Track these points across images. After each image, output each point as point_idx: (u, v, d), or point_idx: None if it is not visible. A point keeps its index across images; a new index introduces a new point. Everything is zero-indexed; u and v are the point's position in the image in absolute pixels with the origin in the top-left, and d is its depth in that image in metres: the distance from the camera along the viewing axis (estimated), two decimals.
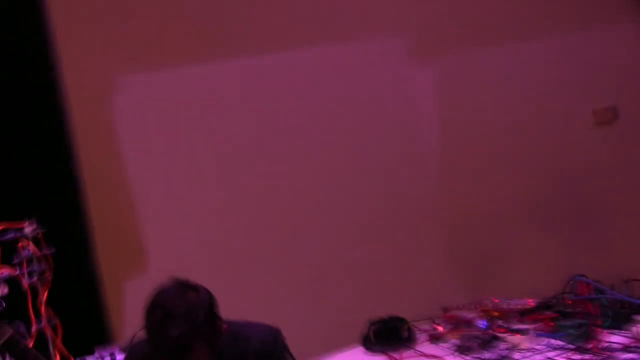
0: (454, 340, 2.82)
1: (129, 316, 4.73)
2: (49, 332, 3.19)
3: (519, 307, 2.91)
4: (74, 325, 3.66)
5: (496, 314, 2.93)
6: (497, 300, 3.04)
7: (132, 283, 5.34)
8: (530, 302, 2.92)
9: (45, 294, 3.19)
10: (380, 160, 5.13)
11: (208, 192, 5.32)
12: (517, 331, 2.66)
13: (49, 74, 5.06)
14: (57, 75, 5.05)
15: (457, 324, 2.91)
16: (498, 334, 2.74)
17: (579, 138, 4.94)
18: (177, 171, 5.36)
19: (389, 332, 3.01)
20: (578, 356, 2.39)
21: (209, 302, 2.30)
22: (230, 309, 2.94)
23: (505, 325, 2.73)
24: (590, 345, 2.41)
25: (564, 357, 2.42)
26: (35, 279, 3.16)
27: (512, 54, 5.04)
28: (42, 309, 3.19)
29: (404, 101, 5.17)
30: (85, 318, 4.32)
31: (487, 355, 2.59)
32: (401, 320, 3.05)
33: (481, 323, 2.85)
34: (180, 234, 5.33)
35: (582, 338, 2.48)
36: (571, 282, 2.76)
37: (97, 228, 5.20)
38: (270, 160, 5.22)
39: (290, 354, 2.57)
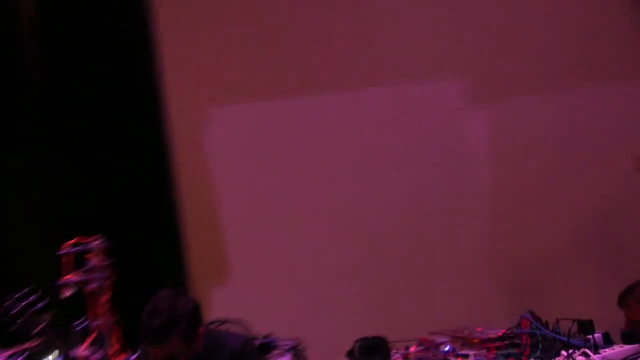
0: None
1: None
2: (106, 329, 3.85)
3: (488, 336, 3.27)
4: None
5: (465, 340, 3.31)
6: (479, 329, 3.39)
7: (217, 291, 6.05)
8: (500, 333, 3.26)
9: (106, 297, 3.85)
10: (433, 194, 5.55)
11: (286, 212, 5.96)
12: (461, 355, 3.07)
13: (155, 96, 5.86)
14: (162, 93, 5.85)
15: (428, 347, 3.31)
16: (448, 358, 3.14)
17: (621, 182, 5.16)
18: (259, 192, 6.03)
19: (370, 350, 3.46)
20: None
21: (192, 308, 2.90)
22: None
23: (453, 350, 3.13)
24: None
25: None
26: (97, 284, 3.85)
27: (559, 102, 5.31)
28: (104, 309, 3.86)
29: (458, 141, 5.56)
30: None
31: None
32: (383, 340, 3.49)
33: (445, 348, 3.24)
34: (260, 249, 6.00)
35: None
36: (521, 317, 3.10)
37: (190, 241, 5.97)
38: (337, 188, 5.78)
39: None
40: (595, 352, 2.81)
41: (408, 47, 5.47)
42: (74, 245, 3.85)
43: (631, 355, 2.74)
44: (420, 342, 3.34)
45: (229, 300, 5.84)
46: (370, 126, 5.56)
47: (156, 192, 6.00)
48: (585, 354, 2.75)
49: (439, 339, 3.32)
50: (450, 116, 5.48)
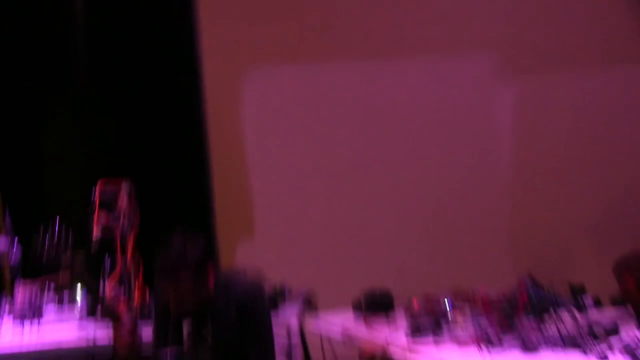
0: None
1: None
2: (130, 268, 4.08)
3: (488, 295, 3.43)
4: None
5: (466, 298, 3.48)
6: (482, 290, 3.54)
7: (241, 244, 6.29)
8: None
9: (132, 237, 4.06)
10: (455, 167, 5.70)
11: (312, 173, 6.14)
12: (458, 309, 3.25)
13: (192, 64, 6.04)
14: (199, 62, 6.04)
15: (430, 302, 3.48)
16: (449, 314, 3.31)
17: None
18: (290, 157, 6.22)
19: (376, 303, 3.65)
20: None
21: (202, 252, 3.08)
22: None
23: (454, 306, 3.29)
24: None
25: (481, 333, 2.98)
26: (124, 227, 4.07)
27: (590, 80, 5.37)
28: (129, 250, 4.08)
29: (483, 116, 5.68)
30: None
31: (427, 326, 3.17)
32: (388, 293, 3.67)
33: (447, 304, 3.41)
34: (286, 211, 6.21)
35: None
36: (519, 279, 3.25)
37: (218, 202, 6.20)
38: (363, 153, 5.97)
39: (268, 310, 3.28)
40: (581, 312, 2.97)
41: (440, 20, 5.57)
42: (104, 188, 4.09)
43: (615, 319, 2.89)
44: (423, 297, 3.48)
45: (250, 253, 6.10)
46: (400, 96, 5.70)
47: (188, 147, 6.24)
48: (572, 314, 2.92)
49: (442, 296, 3.44)
50: (477, 90, 5.58)
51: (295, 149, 6.24)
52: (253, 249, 6.22)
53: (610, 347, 2.64)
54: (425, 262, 5.61)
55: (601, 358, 2.58)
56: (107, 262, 4.08)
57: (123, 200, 4.06)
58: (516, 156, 5.62)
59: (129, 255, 4.05)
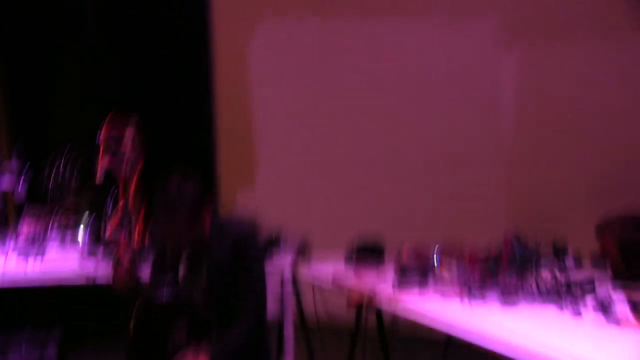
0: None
1: None
2: (133, 208, 4.19)
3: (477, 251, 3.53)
4: None
5: (454, 253, 3.58)
6: (471, 246, 3.63)
7: (242, 193, 6.44)
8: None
9: (134, 182, 4.17)
10: (456, 125, 5.80)
11: (315, 128, 6.27)
12: (445, 264, 3.36)
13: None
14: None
15: (419, 253, 3.58)
16: (435, 267, 3.42)
17: None
18: (293, 106, 6.35)
19: (367, 253, 3.76)
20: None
21: (197, 192, 3.16)
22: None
23: (441, 260, 3.40)
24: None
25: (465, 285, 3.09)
26: (128, 168, 4.17)
27: (593, 50, 5.40)
28: (132, 191, 4.19)
29: (486, 78, 5.76)
30: None
31: (414, 277, 3.29)
32: (379, 243, 3.79)
33: (435, 258, 3.52)
34: (287, 158, 6.35)
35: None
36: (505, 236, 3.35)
37: (222, 147, 6.34)
38: (366, 111, 6.10)
39: (261, 250, 3.39)
40: (562, 270, 3.09)
41: None
42: (109, 129, 4.20)
43: (592, 278, 3.00)
44: (413, 249, 3.58)
45: (250, 198, 6.27)
46: (404, 53, 5.80)
47: (195, 91, 6.37)
48: (552, 271, 3.03)
49: (432, 249, 3.53)
50: (481, 54, 5.65)
51: (298, 98, 6.37)
52: (253, 194, 6.40)
53: (585, 304, 2.75)
54: (420, 215, 5.76)
55: (575, 313, 2.69)
56: (110, 203, 4.23)
57: (127, 142, 4.16)
58: (518, 118, 5.70)
59: (130, 196, 4.17)
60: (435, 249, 3.49)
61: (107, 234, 3.99)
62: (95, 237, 3.57)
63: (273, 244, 4.09)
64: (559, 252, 3.24)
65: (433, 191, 5.85)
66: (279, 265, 3.81)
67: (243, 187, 6.51)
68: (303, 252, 4.17)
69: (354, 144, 6.15)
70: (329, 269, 3.62)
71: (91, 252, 4.03)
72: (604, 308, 2.64)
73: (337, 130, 6.20)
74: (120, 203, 4.12)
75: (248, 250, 3.22)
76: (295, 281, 4.10)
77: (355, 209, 5.85)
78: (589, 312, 2.69)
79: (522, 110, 5.69)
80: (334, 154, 6.23)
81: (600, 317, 2.62)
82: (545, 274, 3.04)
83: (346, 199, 6.09)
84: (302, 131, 6.30)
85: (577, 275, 3.07)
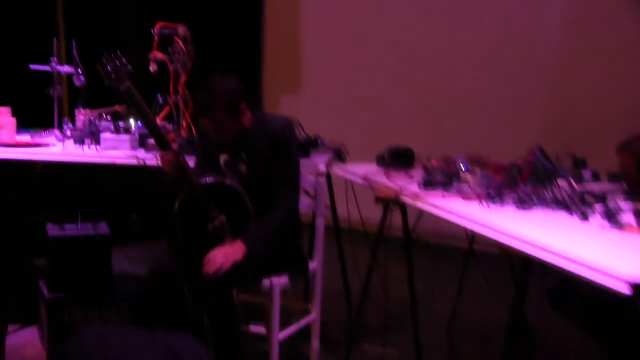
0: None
1: None
2: (181, 105, 4.45)
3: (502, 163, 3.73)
4: None
5: (480, 163, 3.78)
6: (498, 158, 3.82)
7: (287, 99, 6.69)
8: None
9: (184, 77, 4.42)
10: (497, 41, 5.97)
11: (358, 47, 6.49)
12: (469, 171, 3.57)
13: None
14: None
15: (447, 161, 3.79)
16: (460, 173, 3.63)
17: None
18: (340, 27, 6.58)
19: (398, 157, 3.99)
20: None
21: (235, 85, 3.42)
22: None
23: (467, 168, 3.61)
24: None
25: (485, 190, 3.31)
26: (179, 65, 4.42)
27: None
28: (181, 88, 4.45)
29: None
30: None
31: (439, 180, 3.51)
32: (409, 150, 4.01)
33: (461, 165, 3.73)
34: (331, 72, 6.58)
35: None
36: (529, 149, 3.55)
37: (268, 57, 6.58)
38: (405, 27, 6.28)
39: (296, 144, 3.64)
40: (578, 182, 3.29)
41: None
42: (163, 28, 4.43)
43: (606, 190, 3.20)
44: (442, 157, 3.80)
45: (294, 105, 6.53)
46: None
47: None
48: (570, 183, 3.23)
49: (459, 158, 3.75)
50: None
51: (344, 20, 6.58)
52: (296, 102, 6.67)
53: (594, 211, 2.96)
54: (451, 131, 5.96)
55: (582, 218, 2.91)
56: (161, 99, 4.49)
57: (178, 42, 4.40)
58: (558, 40, 5.83)
59: (180, 93, 4.42)
60: (462, 158, 3.70)
61: (158, 122, 4.27)
62: (147, 128, 3.81)
63: (311, 144, 4.33)
64: (578, 165, 3.43)
65: (468, 104, 6.06)
66: (315, 164, 4.05)
67: (289, 93, 6.78)
68: (339, 154, 4.42)
69: (393, 59, 6.38)
70: (361, 170, 3.85)
71: (142, 143, 4.31)
72: (611, 215, 2.85)
73: (378, 54, 6.42)
74: (171, 95, 4.40)
75: (285, 145, 3.49)
76: (329, 178, 4.37)
77: (390, 126, 6.09)
78: (597, 218, 2.90)
79: (563, 34, 5.81)
80: (374, 75, 6.47)
81: (605, 223, 2.83)
82: (562, 184, 3.24)
83: (382, 117, 6.34)
84: (345, 48, 6.55)
85: (591, 187, 3.27)
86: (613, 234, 2.73)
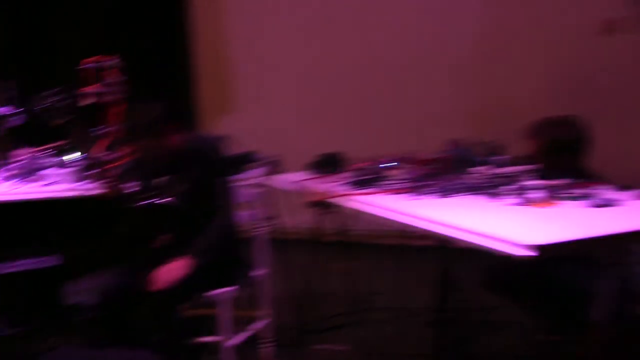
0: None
1: None
2: (117, 134, 4.58)
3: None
4: None
5: (407, 160, 3.98)
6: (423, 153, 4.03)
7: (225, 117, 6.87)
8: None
9: (118, 108, 4.55)
10: (417, 38, 6.26)
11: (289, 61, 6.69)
12: (391, 167, 3.78)
13: None
14: None
15: (372, 160, 3.98)
16: (386, 171, 3.83)
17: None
18: (269, 43, 6.76)
19: (327, 162, 4.18)
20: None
21: (161, 115, 3.60)
22: None
23: (391, 165, 3.82)
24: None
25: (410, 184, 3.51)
26: (112, 97, 4.55)
27: None
28: (116, 118, 4.57)
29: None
30: None
31: (366, 179, 3.71)
32: (337, 154, 4.20)
33: (387, 163, 3.93)
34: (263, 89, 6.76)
35: None
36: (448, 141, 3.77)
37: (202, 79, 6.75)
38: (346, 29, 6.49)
39: (225, 160, 3.82)
40: (494, 167, 3.51)
41: None
42: (93, 62, 4.57)
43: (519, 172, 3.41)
44: (369, 158, 3.99)
45: (229, 124, 6.71)
46: None
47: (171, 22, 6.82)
48: (486, 168, 3.46)
49: (386, 157, 3.94)
50: None
51: (273, 36, 6.81)
52: (234, 120, 6.87)
53: (508, 190, 3.19)
54: (385, 130, 6.22)
55: (496, 198, 3.14)
56: (99, 130, 4.62)
57: (110, 74, 4.55)
58: (477, 30, 6.12)
59: (115, 123, 4.56)
60: (387, 156, 3.90)
61: (96, 156, 4.39)
62: (87, 161, 3.95)
63: (245, 159, 4.49)
64: (495, 152, 3.65)
65: (394, 109, 6.31)
66: (251, 177, 4.22)
67: (226, 112, 6.99)
68: (274, 166, 4.58)
69: (320, 75, 6.66)
70: (294, 178, 4.04)
71: (83, 176, 4.42)
72: (520, 193, 3.08)
73: (307, 65, 6.69)
74: (105, 126, 4.53)
75: (214, 162, 3.72)
76: (266, 190, 4.53)
77: (325, 133, 6.29)
78: (510, 197, 3.12)
79: (482, 21, 6.08)
80: (305, 84, 6.71)
81: (516, 200, 3.06)
82: (479, 170, 3.46)
83: (316, 125, 6.58)
84: (277, 68, 6.80)
85: (505, 170, 3.49)
86: (523, 209, 2.95)
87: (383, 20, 6.45)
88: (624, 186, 3.18)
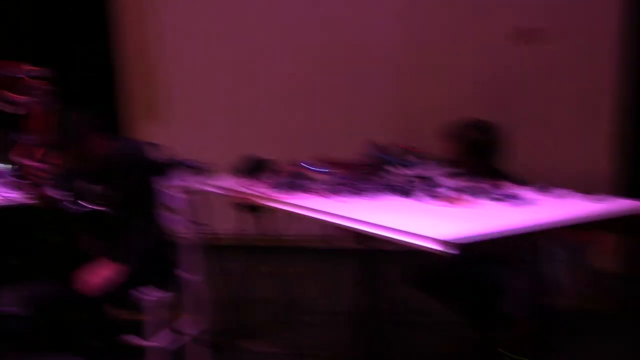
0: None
1: None
2: (44, 142, 4.61)
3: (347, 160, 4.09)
4: None
5: (329, 162, 4.13)
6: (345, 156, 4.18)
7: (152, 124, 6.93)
8: None
9: (44, 116, 4.58)
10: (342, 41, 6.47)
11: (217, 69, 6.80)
12: (317, 170, 3.94)
13: None
14: None
15: (295, 164, 4.12)
16: (309, 173, 3.98)
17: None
18: (198, 52, 6.85)
19: (252, 166, 4.31)
20: None
21: (84, 123, 3.73)
22: None
23: (312, 167, 3.97)
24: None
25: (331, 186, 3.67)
26: (38, 106, 4.58)
27: None
28: (41, 126, 4.60)
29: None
30: None
31: (289, 182, 3.86)
32: (261, 159, 4.33)
33: (309, 165, 4.08)
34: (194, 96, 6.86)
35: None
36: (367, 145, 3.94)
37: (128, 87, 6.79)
38: (257, 45, 6.61)
39: (147, 165, 3.93)
40: (409, 168, 3.69)
41: None
42: (20, 71, 4.60)
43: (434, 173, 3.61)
44: (290, 160, 4.13)
45: (157, 131, 6.78)
46: None
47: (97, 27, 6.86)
48: (401, 169, 3.64)
49: (309, 160, 4.09)
50: None
51: (200, 40, 6.91)
52: (160, 125, 6.95)
53: (422, 190, 3.38)
54: (310, 133, 6.40)
55: (409, 197, 3.32)
56: (25, 138, 4.63)
57: (34, 83, 4.58)
58: (400, 38, 6.33)
59: (42, 131, 4.58)
60: (310, 159, 4.05)
61: (25, 165, 4.43)
62: (15, 170, 4.00)
63: (171, 164, 4.57)
64: (412, 154, 3.83)
65: (321, 114, 6.47)
66: (178, 182, 4.32)
67: (152, 119, 7.07)
68: (202, 170, 4.67)
69: (247, 76, 6.79)
70: (221, 182, 4.16)
71: (13, 185, 4.46)
72: (429, 191, 3.28)
73: (231, 71, 6.85)
74: (30, 134, 4.56)
75: (135, 166, 3.84)
76: (195, 195, 4.63)
77: (253, 136, 6.41)
78: (423, 195, 3.31)
79: (405, 28, 6.27)
80: (232, 91, 6.86)
81: (431, 198, 3.25)
82: (396, 172, 3.65)
83: (243, 129, 6.73)
84: (202, 75, 6.93)
85: (421, 171, 3.68)
86: (441, 208, 3.14)
87: (307, 25, 6.60)
88: (542, 186, 3.39)
